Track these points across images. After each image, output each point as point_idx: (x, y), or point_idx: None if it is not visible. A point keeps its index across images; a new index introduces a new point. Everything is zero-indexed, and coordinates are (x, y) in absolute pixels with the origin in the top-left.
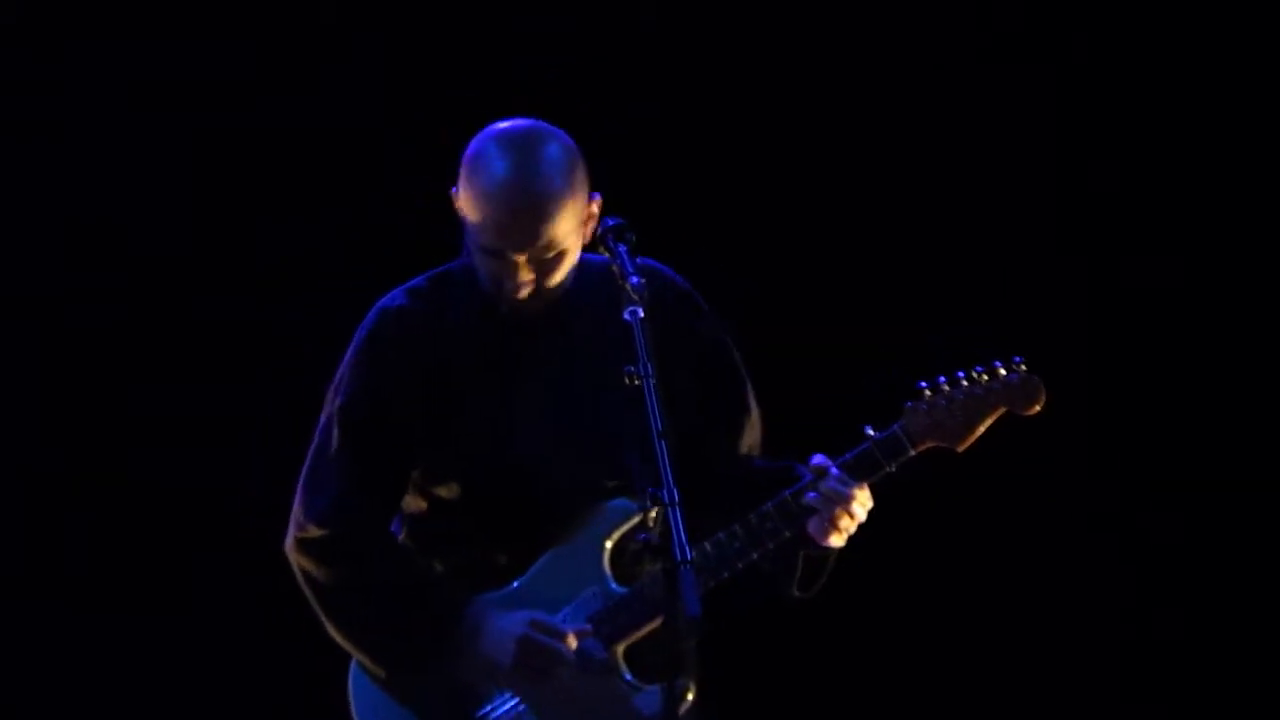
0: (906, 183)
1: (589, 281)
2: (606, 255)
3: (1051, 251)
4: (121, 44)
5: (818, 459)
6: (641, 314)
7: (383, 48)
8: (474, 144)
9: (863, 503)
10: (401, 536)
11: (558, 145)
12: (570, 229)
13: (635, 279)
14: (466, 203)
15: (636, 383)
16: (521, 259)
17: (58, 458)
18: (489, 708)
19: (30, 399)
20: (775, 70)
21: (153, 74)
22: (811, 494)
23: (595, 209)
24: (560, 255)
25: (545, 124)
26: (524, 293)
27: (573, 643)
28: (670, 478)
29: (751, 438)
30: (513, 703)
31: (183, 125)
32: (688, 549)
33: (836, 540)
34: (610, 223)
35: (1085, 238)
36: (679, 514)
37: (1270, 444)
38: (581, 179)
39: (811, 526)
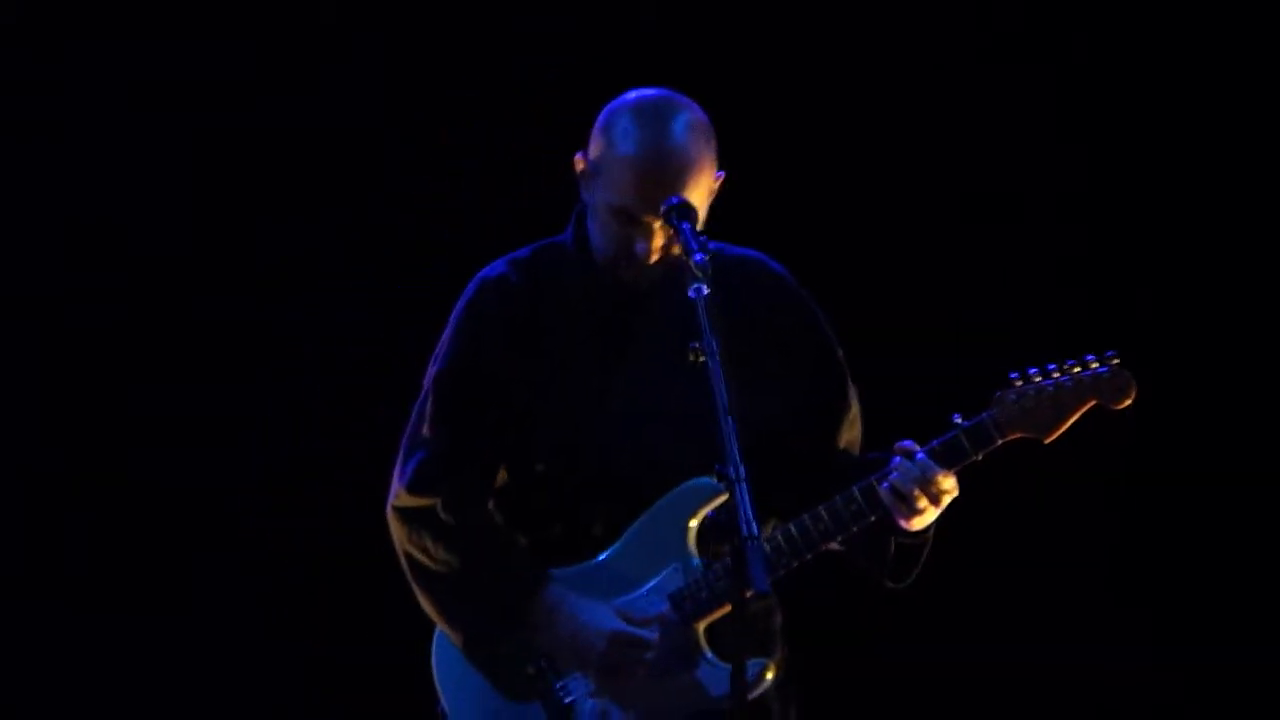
0: (905, 182)
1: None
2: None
3: (1052, 251)
4: (121, 44)
5: (905, 443)
6: (706, 291)
7: (383, 48)
8: (610, 110)
9: (946, 489)
10: (490, 508)
11: (691, 114)
12: (700, 197)
13: (699, 256)
14: (602, 166)
15: (701, 359)
16: (656, 223)
17: (58, 458)
18: (564, 682)
19: (30, 399)
20: (776, 70)
21: (153, 74)
22: (896, 474)
23: (717, 185)
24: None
25: (679, 94)
26: (654, 258)
27: (656, 635)
28: (736, 454)
29: (850, 434)
30: (589, 682)
31: (183, 125)
32: (754, 525)
33: (917, 523)
34: (674, 201)
35: (1085, 237)
36: (745, 490)
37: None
38: (712, 151)
39: (893, 507)
